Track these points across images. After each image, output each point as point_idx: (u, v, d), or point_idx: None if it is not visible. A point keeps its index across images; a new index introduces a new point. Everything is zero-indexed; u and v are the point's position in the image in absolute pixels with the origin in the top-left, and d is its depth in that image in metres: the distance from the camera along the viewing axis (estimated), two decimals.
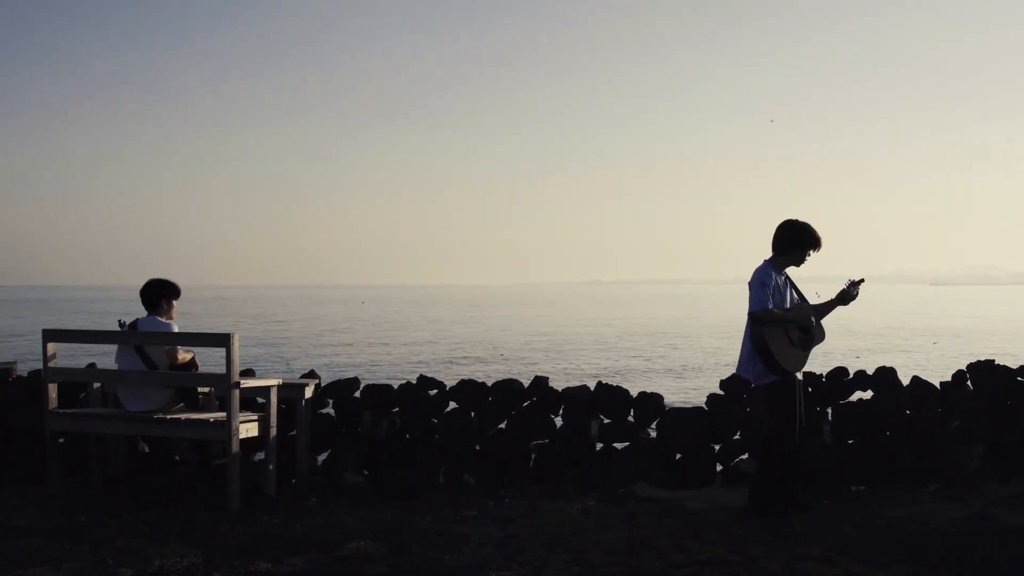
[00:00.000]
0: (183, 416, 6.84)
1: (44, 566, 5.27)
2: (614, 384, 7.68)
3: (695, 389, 22.19)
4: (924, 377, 7.61)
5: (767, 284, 6.32)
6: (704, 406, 7.56)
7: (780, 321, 6.30)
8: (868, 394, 7.55)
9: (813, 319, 6.43)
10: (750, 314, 6.28)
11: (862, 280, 6.61)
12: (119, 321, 7.25)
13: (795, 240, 6.42)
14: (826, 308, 6.59)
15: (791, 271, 6.56)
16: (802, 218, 6.44)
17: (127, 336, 6.98)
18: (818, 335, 6.50)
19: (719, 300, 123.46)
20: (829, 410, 7.47)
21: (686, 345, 40.52)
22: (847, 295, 6.57)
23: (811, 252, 6.46)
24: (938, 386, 7.47)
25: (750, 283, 6.40)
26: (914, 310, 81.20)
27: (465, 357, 34.43)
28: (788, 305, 6.43)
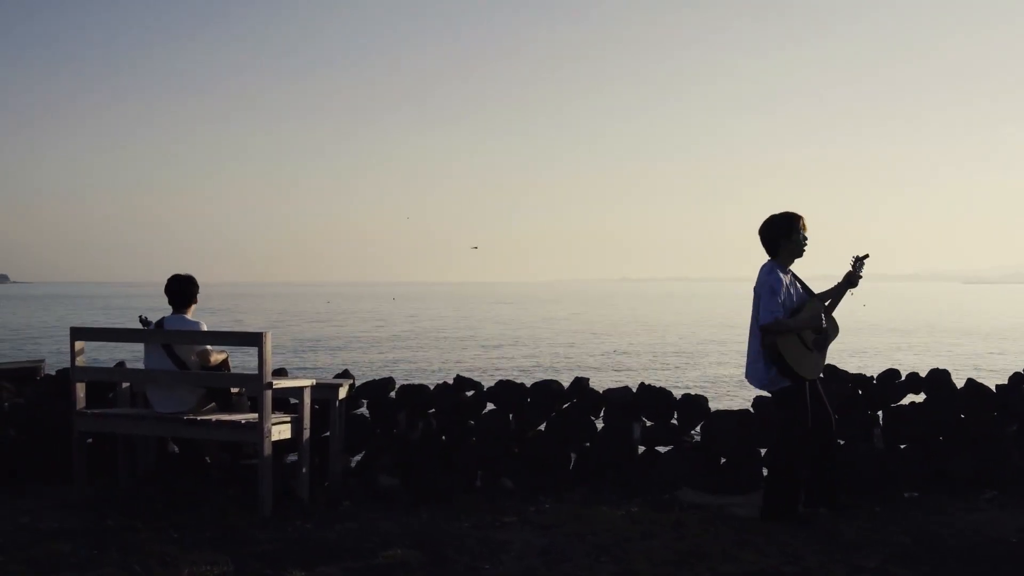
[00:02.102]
0: (213, 417, 6.65)
1: (71, 571, 5.11)
2: (657, 386, 7.46)
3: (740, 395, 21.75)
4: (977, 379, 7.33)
5: (777, 291, 6.07)
6: (750, 408, 7.31)
7: (793, 331, 6.07)
8: (920, 397, 7.28)
9: (823, 317, 6.19)
10: (761, 327, 6.04)
11: (867, 256, 6.36)
12: (141, 318, 7.07)
13: (782, 230, 6.20)
14: (836, 293, 6.34)
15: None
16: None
17: (156, 335, 6.81)
18: (832, 331, 6.27)
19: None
20: (880, 413, 7.22)
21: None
22: (853, 276, 6.34)
23: (804, 234, 6.23)
24: (993, 389, 7.18)
25: (758, 289, 6.15)
26: (949, 308, 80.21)
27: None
28: (796, 302, 6.19)
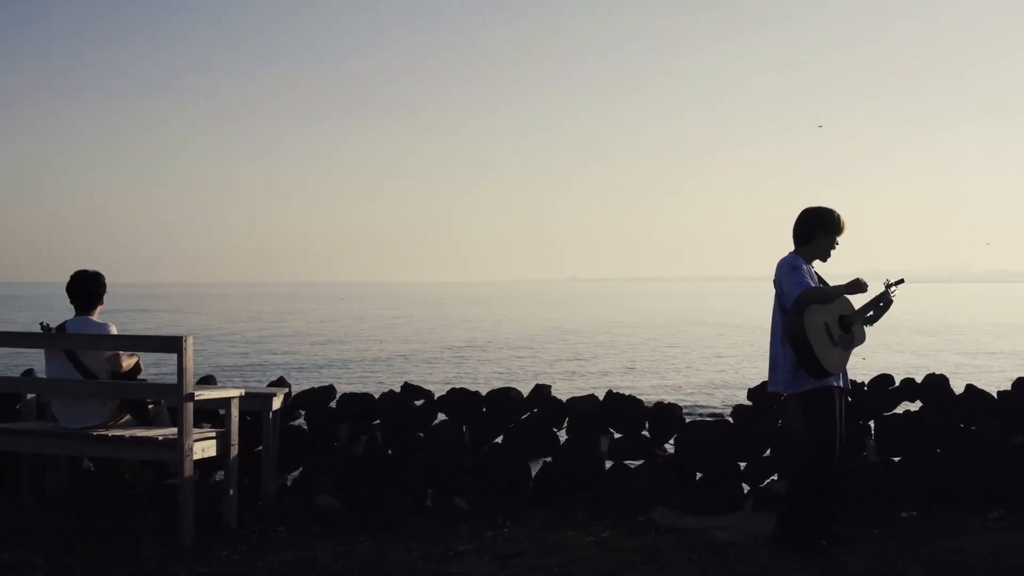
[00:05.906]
0: (127, 433, 5.84)
1: None
2: (626, 394, 6.76)
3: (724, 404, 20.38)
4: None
5: (798, 267, 5.42)
6: (729, 419, 6.64)
7: (829, 297, 5.41)
8: (916, 405, 6.63)
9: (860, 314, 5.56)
10: (797, 297, 5.29)
11: (902, 280, 5.79)
12: (41, 324, 6.22)
13: (821, 227, 5.54)
14: (865, 309, 5.68)
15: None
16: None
17: (57, 340, 5.98)
18: (858, 335, 5.60)
19: (707, 297, 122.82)
20: (872, 423, 6.56)
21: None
22: (886, 297, 5.71)
23: (837, 241, 5.61)
24: (995, 396, 6.55)
25: (777, 277, 5.46)
26: (908, 308, 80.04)
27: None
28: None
